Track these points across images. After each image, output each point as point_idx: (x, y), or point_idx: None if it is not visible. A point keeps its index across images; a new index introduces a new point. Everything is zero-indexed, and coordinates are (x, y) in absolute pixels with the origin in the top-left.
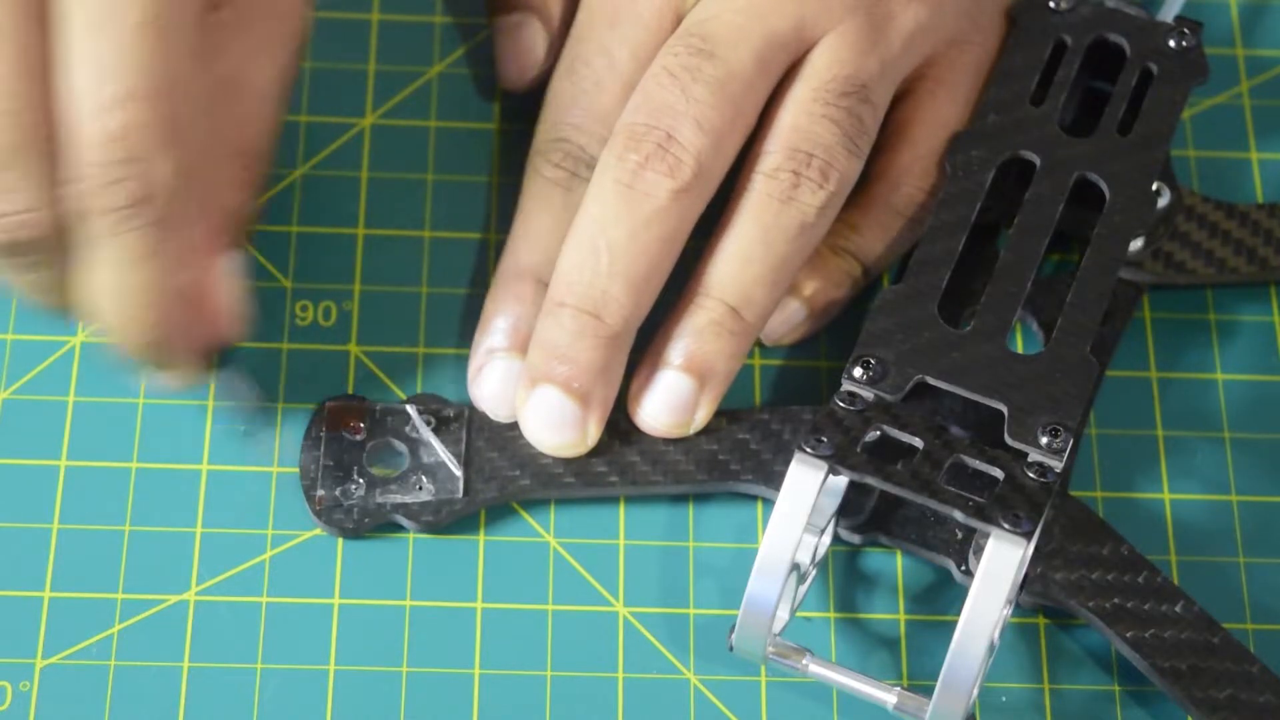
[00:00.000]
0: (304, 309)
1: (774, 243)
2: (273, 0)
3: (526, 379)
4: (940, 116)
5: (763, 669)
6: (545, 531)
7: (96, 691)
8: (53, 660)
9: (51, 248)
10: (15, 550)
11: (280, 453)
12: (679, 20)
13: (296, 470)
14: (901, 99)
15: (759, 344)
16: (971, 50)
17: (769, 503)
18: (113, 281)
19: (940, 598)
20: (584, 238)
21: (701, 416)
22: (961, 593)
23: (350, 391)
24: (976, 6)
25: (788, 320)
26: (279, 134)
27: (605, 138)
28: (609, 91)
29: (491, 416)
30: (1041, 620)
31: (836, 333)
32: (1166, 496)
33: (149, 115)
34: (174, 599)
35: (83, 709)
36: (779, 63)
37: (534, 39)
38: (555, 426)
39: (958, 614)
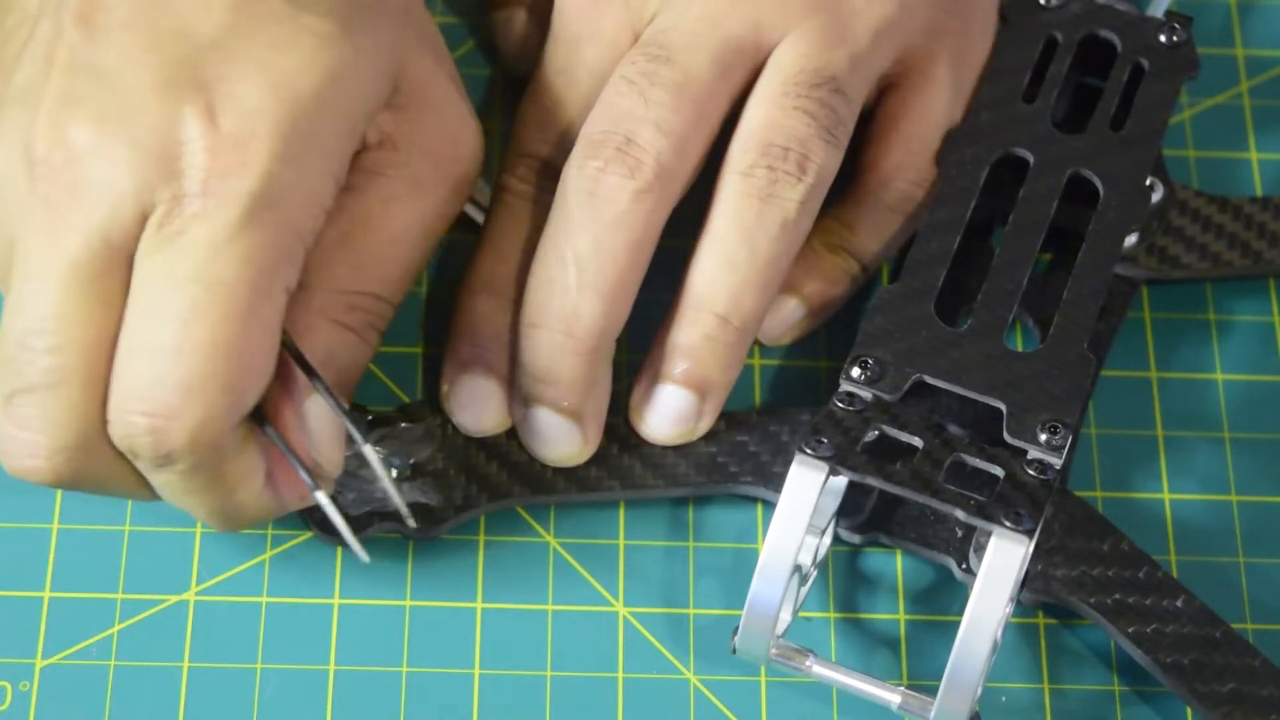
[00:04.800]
0: None
1: (757, 244)
2: (435, 140)
3: (517, 400)
4: (927, 109)
5: (762, 669)
6: (545, 532)
7: (96, 691)
8: (53, 660)
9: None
10: (15, 550)
11: None
12: (635, 37)
13: None
14: (886, 94)
15: (758, 344)
16: (950, 40)
17: (768, 504)
18: (174, 498)
19: (940, 597)
20: (549, 252)
21: (704, 424)
22: (961, 592)
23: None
24: None
25: (786, 320)
26: (416, 280)
27: (569, 150)
28: (570, 108)
29: (464, 432)
30: (1042, 619)
31: (836, 332)
32: (1166, 496)
33: (182, 382)
34: (174, 599)
35: (83, 709)
36: (739, 66)
37: (528, 29)
38: (551, 442)
39: (958, 613)
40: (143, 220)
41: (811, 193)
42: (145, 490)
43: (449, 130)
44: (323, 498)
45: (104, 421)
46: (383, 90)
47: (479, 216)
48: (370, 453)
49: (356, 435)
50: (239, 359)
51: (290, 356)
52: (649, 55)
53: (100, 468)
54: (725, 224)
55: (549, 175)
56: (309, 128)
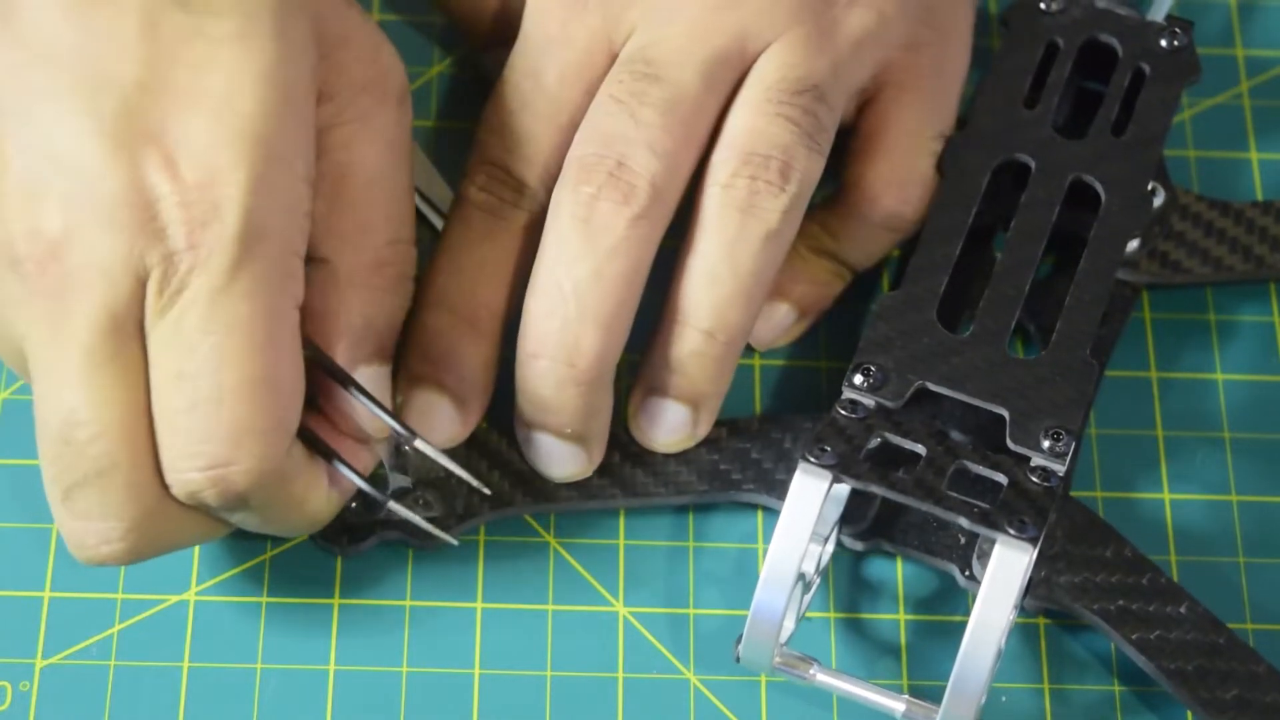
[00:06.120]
0: None
1: (740, 258)
2: (361, 71)
3: (520, 422)
4: (909, 123)
5: None
6: (545, 532)
7: (96, 691)
8: (53, 660)
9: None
10: (15, 550)
11: None
12: (611, 48)
13: None
14: (867, 108)
15: (755, 349)
16: (928, 52)
17: (769, 510)
18: (251, 527)
19: (942, 604)
20: (548, 282)
21: (701, 430)
22: (963, 598)
23: None
24: (926, 10)
25: (778, 325)
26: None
27: (533, 160)
28: (536, 114)
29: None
30: (1042, 621)
31: (836, 334)
32: (1166, 497)
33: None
34: (174, 599)
35: (83, 709)
36: (725, 79)
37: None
38: (555, 463)
39: (960, 619)
40: (140, 288)
41: (795, 202)
42: (223, 528)
43: (368, 53)
44: (396, 506)
45: (163, 487)
46: (313, 59)
47: (437, 221)
48: (425, 446)
49: (400, 430)
50: (275, 389)
51: (324, 370)
52: (635, 73)
53: (173, 527)
54: (706, 238)
55: (511, 186)
56: (267, 145)
